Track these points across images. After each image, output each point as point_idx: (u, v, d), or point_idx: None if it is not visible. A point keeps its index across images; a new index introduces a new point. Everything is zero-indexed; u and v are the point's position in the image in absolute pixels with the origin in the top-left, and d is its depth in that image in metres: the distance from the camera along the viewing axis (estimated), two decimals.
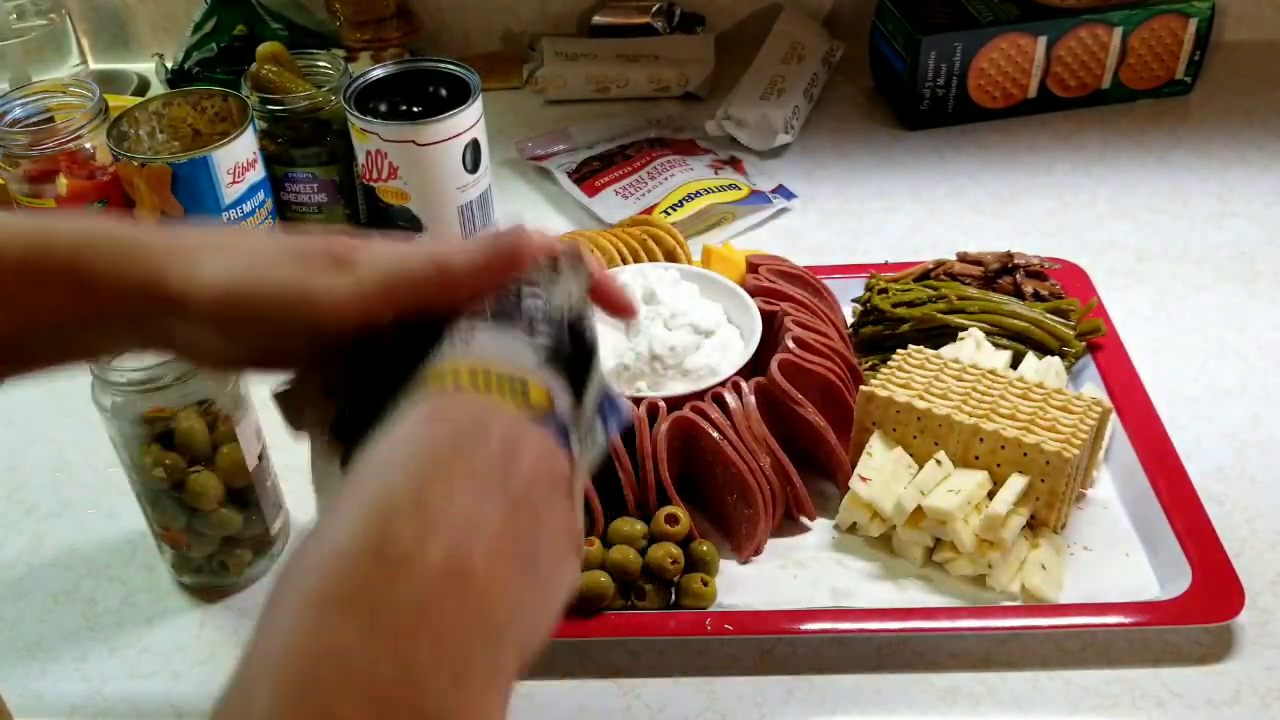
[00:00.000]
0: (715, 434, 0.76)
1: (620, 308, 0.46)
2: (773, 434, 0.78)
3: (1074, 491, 0.76)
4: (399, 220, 0.98)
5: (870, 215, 1.10)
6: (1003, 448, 0.73)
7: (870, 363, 0.88)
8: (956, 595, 0.74)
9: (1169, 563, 0.74)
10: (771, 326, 0.85)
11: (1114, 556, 0.76)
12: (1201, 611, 0.70)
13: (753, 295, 0.87)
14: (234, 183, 0.94)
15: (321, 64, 1.04)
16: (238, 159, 0.94)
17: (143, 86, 1.32)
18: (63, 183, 0.95)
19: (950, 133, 1.20)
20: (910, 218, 1.09)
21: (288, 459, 0.86)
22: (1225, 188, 1.10)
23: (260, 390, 0.91)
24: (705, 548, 0.75)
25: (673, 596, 0.74)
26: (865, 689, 0.70)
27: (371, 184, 0.98)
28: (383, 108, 0.99)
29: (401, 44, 1.27)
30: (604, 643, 0.73)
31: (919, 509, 0.74)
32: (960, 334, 0.86)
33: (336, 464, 0.40)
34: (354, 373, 0.41)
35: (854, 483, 0.76)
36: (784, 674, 0.71)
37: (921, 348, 0.81)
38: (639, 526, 0.75)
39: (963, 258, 0.95)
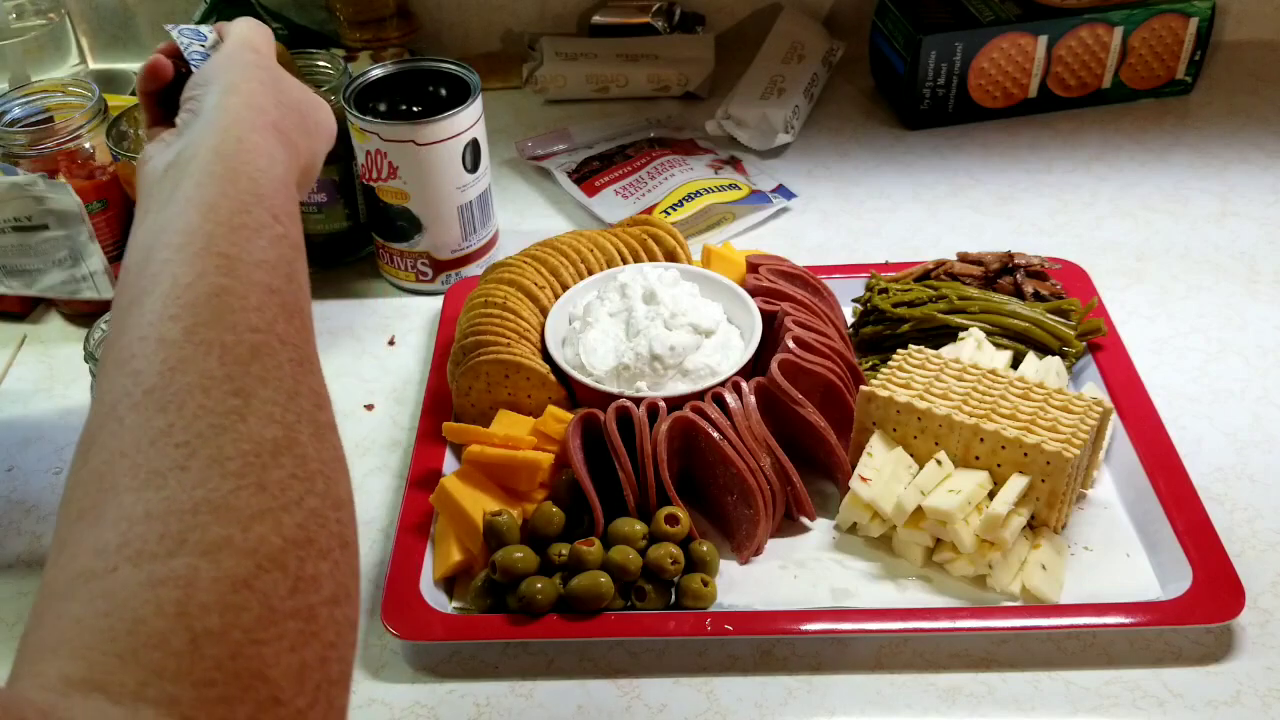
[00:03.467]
0: (715, 434, 0.76)
1: None
2: (773, 434, 0.78)
3: (1074, 492, 0.76)
4: (399, 220, 0.98)
5: (870, 215, 1.10)
6: (1003, 448, 0.73)
7: (870, 363, 0.89)
8: (957, 595, 0.74)
9: (1169, 563, 0.74)
10: (771, 326, 0.85)
11: (1114, 557, 0.76)
12: (1202, 612, 0.70)
13: (753, 295, 0.87)
14: None
15: (321, 64, 1.04)
16: None
17: None
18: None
19: (950, 133, 1.20)
20: (910, 218, 1.09)
21: None
22: (1225, 188, 1.10)
23: None
24: (705, 548, 0.75)
25: (673, 596, 0.74)
26: (865, 689, 0.70)
27: (371, 184, 0.98)
28: (382, 108, 0.99)
29: (401, 44, 1.27)
30: (604, 643, 0.73)
31: (919, 509, 0.74)
32: (960, 334, 0.86)
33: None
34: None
35: (854, 483, 0.76)
36: (784, 674, 0.71)
37: (922, 348, 0.81)
38: (639, 526, 0.74)
39: (963, 258, 0.95)
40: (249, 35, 0.65)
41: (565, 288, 0.90)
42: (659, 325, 0.82)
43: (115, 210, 0.97)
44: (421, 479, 0.81)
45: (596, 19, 1.32)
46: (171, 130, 0.58)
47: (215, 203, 0.49)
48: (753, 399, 0.78)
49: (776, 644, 0.73)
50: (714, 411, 0.77)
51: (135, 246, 0.50)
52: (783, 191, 1.11)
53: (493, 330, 0.84)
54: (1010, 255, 0.93)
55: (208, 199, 0.49)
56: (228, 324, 0.44)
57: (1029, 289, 0.90)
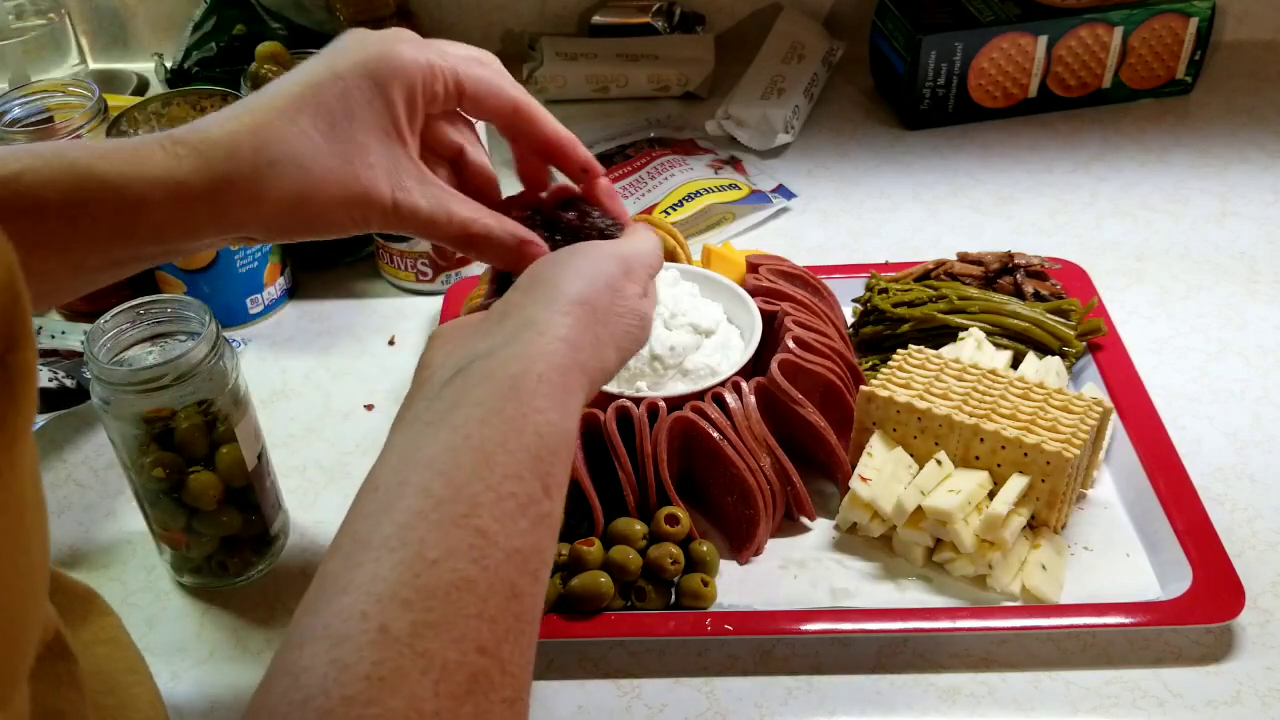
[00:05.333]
0: (715, 434, 0.76)
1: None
2: (773, 434, 0.78)
3: (1074, 492, 0.76)
4: None
5: (870, 215, 1.10)
6: (1003, 448, 0.73)
7: (870, 363, 0.88)
8: (957, 595, 0.74)
9: (1169, 563, 0.74)
10: (771, 326, 0.85)
11: (1114, 557, 0.76)
12: (1202, 612, 0.70)
13: (753, 295, 0.87)
14: None
15: None
16: None
17: (142, 86, 1.32)
18: None
19: (950, 132, 1.20)
20: (910, 218, 1.09)
21: (287, 459, 0.86)
22: (1225, 188, 1.10)
23: (260, 390, 0.91)
24: (705, 548, 0.75)
25: (673, 596, 0.74)
26: (865, 689, 0.70)
27: None
28: None
29: None
30: (604, 643, 0.73)
31: (919, 509, 0.74)
32: (960, 334, 0.86)
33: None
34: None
35: (854, 483, 0.76)
36: (784, 674, 0.71)
37: (922, 348, 0.81)
38: (639, 526, 0.74)
39: (963, 258, 0.95)
40: (633, 251, 0.58)
41: None
42: (659, 325, 0.82)
43: None
44: None
45: (596, 19, 1.32)
46: (479, 314, 0.54)
47: (492, 454, 0.45)
48: (753, 399, 0.78)
49: (776, 644, 0.73)
50: (714, 411, 0.77)
51: (394, 456, 0.46)
52: (783, 191, 1.11)
53: None
54: (1010, 255, 0.93)
55: (487, 445, 0.45)
56: (457, 633, 0.40)
57: (1029, 289, 0.90)
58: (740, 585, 0.75)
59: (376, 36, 0.55)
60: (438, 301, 1.00)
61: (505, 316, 0.52)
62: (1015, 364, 0.84)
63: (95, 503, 0.86)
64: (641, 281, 0.57)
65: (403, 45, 0.55)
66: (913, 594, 0.74)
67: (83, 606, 0.54)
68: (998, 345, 0.85)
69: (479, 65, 0.58)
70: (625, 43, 1.29)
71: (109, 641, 0.54)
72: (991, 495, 0.73)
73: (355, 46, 0.55)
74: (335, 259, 1.06)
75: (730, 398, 0.78)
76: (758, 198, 1.09)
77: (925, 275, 0.94)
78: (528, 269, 0.56)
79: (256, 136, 0.52)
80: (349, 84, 0.53)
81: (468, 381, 0.48)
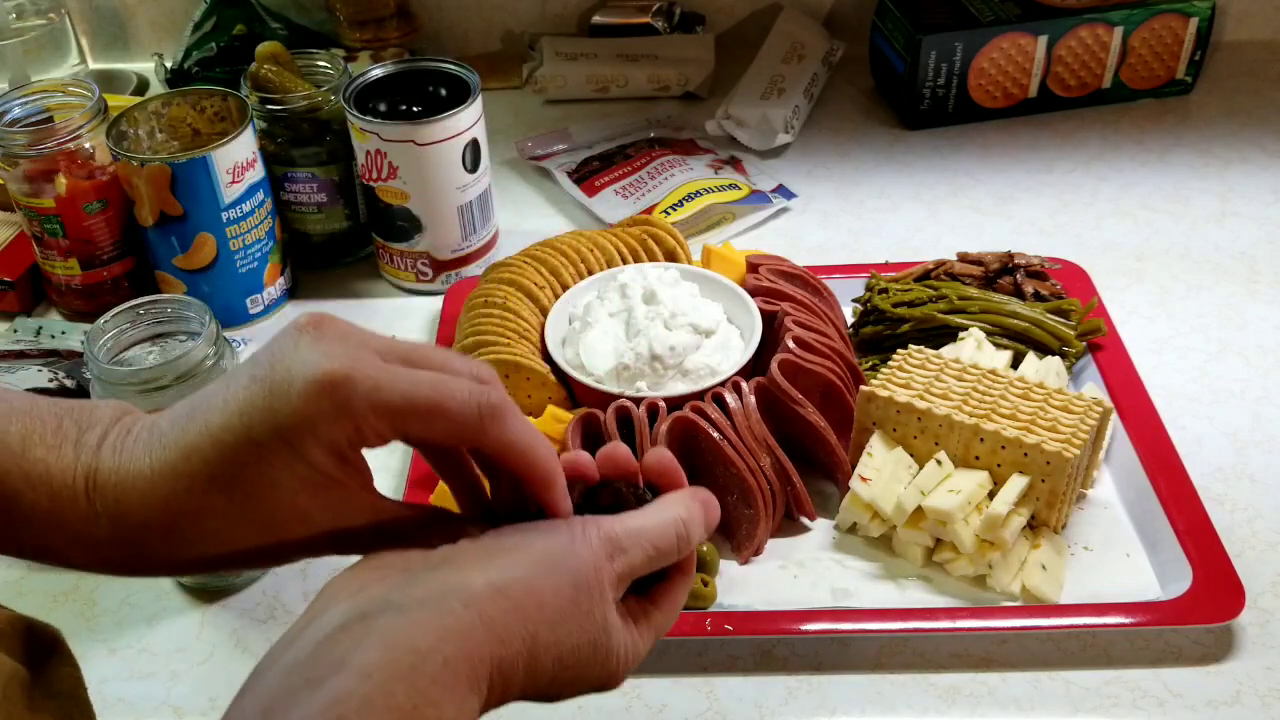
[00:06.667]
0: (715, 434, 0.76)
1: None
2: (773, 434, 0.78)
3: (1074, 492, 0.76)
4: (399, 220, 0.98)
5: (870, 215, 1.10)
6: (1003, 448, 0.73)
7: (870, 363, 0.89)
8: (957, 595, 0.74)
9: (1169, 563, 0.74)
10: (771, 326, 0.85)
11: (1114, 557, 0.76)
12: (1202, 612, 0.70)
13: (753, 295, 0.87)
14: (233, 182, 0.94)
15: (321, 64, 1.04)
16: (237, 159, 0.94)
17: (142, 86, 1.32)
18: (62, 183, 0.95)
19: (950, 132, 1.20)
20: (910, 218, 1.09)
21: None
22: (1225, 188, 1.10)
23: None
24: (705, 548, 0.75)
25: None
26: (865, 689, 0.70)
27: (371, 184, 0.98)
28: (382, 107, 0.99)
29: (401, 44, 1.27)
30: None
31: (919, 509, 0.74)
32: (960, 334, 0.86)
33: None
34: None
35: (854, 483, 0.76)
36: (784, 674, 0.71)
37: (922, 348, 0.81)
38: None
39: (963, 258, 0.95)
40: (630, 530, 0.48)
41: (565, 288, 0.90)
42: (659, 325, 0.82)
43: (114, 210, 0.97)
44: (421, 479, 0.81)
45: (596, 19, 1.32)
46: (420, 552, 0.46)
47: None
48: (753, 399, 0.78)
49: (776, 644, 0.73)
50: (714, 411, 0.77)
51: (256, 710, 0.41)
52: (783, 191, 1.11)
53: (492, 330, 0.84)
54: (1010, 255, 0.93)
55: None
56: None
57: (1029, 289, 0.90)
58: (740, 585, 0.75)
59: (300, 383, 0.45)
60: (438, 301, 1.00)
61: (441, 566, 0.45)
62: (1015, 364, 0.84)
63: None
64: (628, 572, 0.48)
65: (324, 397, 0.44)
66: (913, 594, 0.74)
67: (44, 652, 0.53)
68: (998, 345, 0.85)
69: (429, 388, 0.46)
70: (625, 43, 1.29)
71: (57, 695, 0.51)
72: (991, 495, 0.73)
73: (277, 397, 0.45)
74: (335, 259, 1.06)
75: (730, 398, 0.78)
76: (758, 198, 1.09)
77: (925, 275, 0.94)
78: (496, 529, 0.48)
79: (169, 512, 0.47)
80: (265, 450, 0.45)
81: (366, 635, 0.42)
